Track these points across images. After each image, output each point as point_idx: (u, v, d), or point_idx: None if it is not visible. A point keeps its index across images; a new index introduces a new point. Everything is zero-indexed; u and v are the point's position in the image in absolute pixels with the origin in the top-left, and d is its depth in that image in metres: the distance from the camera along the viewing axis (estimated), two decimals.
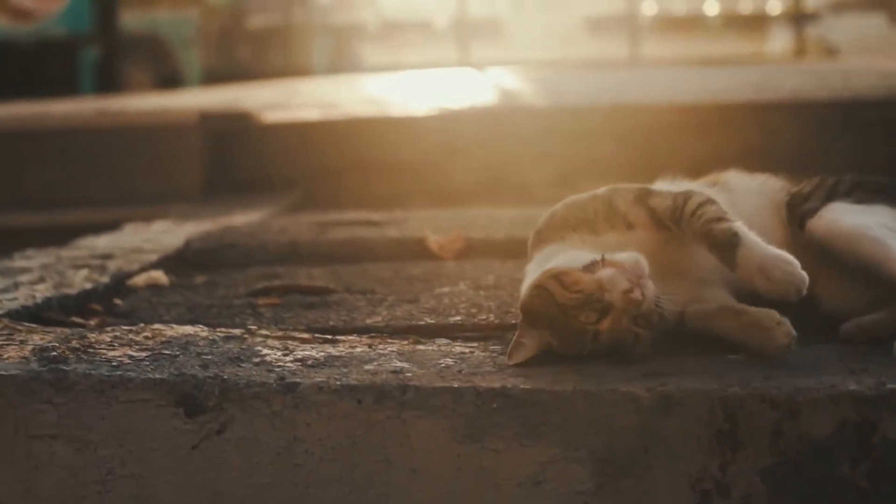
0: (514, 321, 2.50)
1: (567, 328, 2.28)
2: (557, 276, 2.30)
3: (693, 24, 20.26)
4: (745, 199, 2.58)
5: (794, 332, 2.25)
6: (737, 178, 2.66)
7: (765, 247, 2.27)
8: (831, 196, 2.57)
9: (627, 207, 2.43)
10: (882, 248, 2.43)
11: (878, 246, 2.43)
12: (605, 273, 2.27)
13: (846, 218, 2.50)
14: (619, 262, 2.28)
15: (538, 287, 2.31)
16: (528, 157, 6.59)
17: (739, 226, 2.31)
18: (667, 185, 2.58)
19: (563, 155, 6.57)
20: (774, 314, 2.26)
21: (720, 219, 2.32)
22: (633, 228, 2.42)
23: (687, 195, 2.39)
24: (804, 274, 2.23)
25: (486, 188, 6.48)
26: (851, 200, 2.55)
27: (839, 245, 2.47)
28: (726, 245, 2.29)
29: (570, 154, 6.57)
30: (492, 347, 2.52)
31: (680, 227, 2.37)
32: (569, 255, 2.37)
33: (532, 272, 2.42)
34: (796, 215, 2.56)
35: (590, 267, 2.29)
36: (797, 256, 2.34)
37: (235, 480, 2.26)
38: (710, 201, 2.37)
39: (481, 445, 2.20)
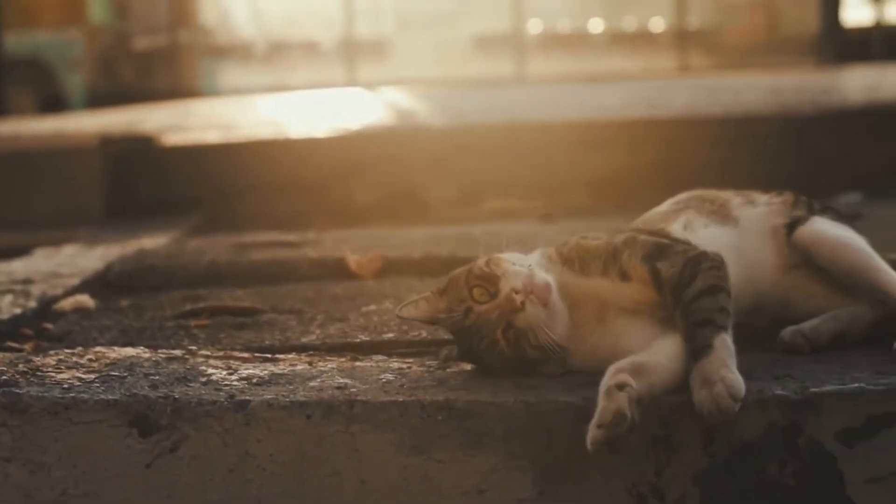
0: (446, 336, 2.58)
1: (457, 296, 2.39)
2: (490, 258, 2.41)
3: (578, 41, 20.49)
4: (750, 233, 2.66)
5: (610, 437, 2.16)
6: (744, 210, 2.70)
7: (724, 369, 2.23)
8: (811, 211, 2.71)
9: (630, 263, 2.45)
10: (867, 259, 2.63)
11: (863, 256, 2.63)
12: (514, 269, 2.37)
13: (832, 229, 2.66)
14: (534, 274, 2.37)
15: (472, 264, 2.42)
16: (428, 175, 6.68)
17: (721, 338, 2.28)
18: (680, 226, 2.62)
19: (463, 173, 6.67)
20: (610, 414, 2.16)
21: (710, 322, 2.31)
22: (629, 281, 2.43)
23: (695, 270, 2.39)
24: (733, 406, 2.19)
25: (387, 207, 6.56)
26: (826, 217, 2.72)
27: (827, 252, 2.63)
28: (698, 351, 2.27)
29: (471, 172, 6.67)
30: (427, 362, 2.60)
31: (674, 305, 2.38)
32: (517, 256, 2.46)
33: None
34: (787, 226, 2.68)
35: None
36: (783, 281, 2.61)
37: (189, 497, 2.32)
38: (713, 289, 2.37)
39: (427, 456, 2.28)
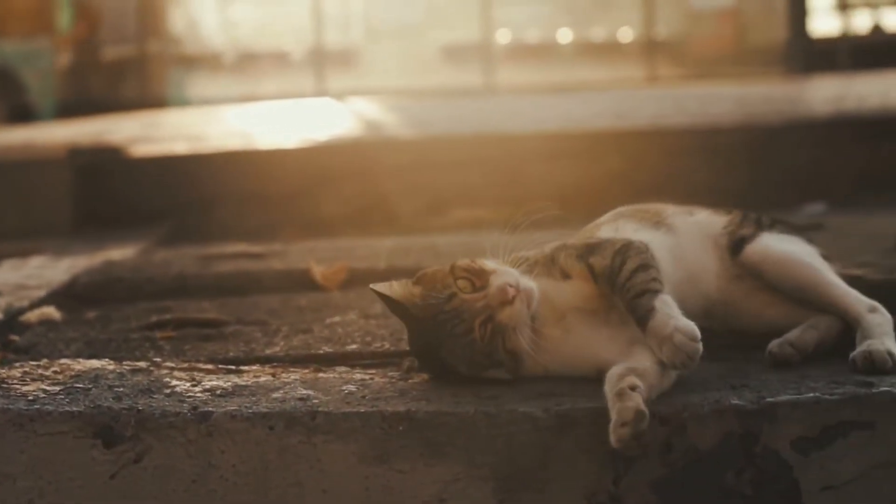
0: (408, 348, 2.61)
1: (438, 285, 2.45)
2: (474, 258, 2.48)
3: (546, 51, 20.55)
4: (687, 237, 2.71)
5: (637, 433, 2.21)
6: (678, 218, 2.76)
7: (671, 319, 2.35)
8: (760, 227, 2.76)
9: (567, 262, 2.53)
10: (815, 273, 2.68)
11: (811, 271, 2.68)
12: (506, 268, 2.45)
13: (780, 245, 2.71)
14: (524, 281, 2.44)
15: (451, 263, 2.49)
16: (396, 186, 6.71)
17: (659, 299, 2.39)
18: (611, 230, 2.68)
19: (431, 184, 6.70)
20: (631, 412, 2.21)
21: (646, 291, 2.40)
22: (570, 279, 2.51)
23: (624, 257, 2.48)
24: (695, 346, 2.31)
25: (356, 218, 6.58)
26: (776, 233, 2.76)
27: (774, 269, 2.68)
28: (643, 319, 2.37)
29: (439, 183, 6.70)
30: (390, 373, 2.63)
31: (613, 291, 2.46)
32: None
33: None
34: (732, 245, 2.73)
35: None
36: (732, 285, 2.66)
37: None
38: (643, 267, 2.45)
39: (388, 466, 2.31)
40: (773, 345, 2.62)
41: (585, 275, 2.50)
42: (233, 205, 6.64)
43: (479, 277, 2.43)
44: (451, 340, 2.43)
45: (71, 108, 15.43)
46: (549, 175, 6.69)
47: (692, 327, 2.33)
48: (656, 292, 2.40)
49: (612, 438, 2.20)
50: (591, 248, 2.54)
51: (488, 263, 2.47)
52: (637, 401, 2.21)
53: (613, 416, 2.21)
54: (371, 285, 2.53)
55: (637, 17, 19.61)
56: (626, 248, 2.50)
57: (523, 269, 2.51)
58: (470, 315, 2.40)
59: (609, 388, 2.29)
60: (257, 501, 2.33)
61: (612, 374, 2.32)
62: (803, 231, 2.85)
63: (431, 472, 2.31)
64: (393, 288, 2.50)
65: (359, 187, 6.73)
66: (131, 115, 12.47)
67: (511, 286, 2.40)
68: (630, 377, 2.28)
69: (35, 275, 4.30)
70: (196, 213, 6.59)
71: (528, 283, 2.44)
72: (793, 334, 2.64)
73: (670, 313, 2.36)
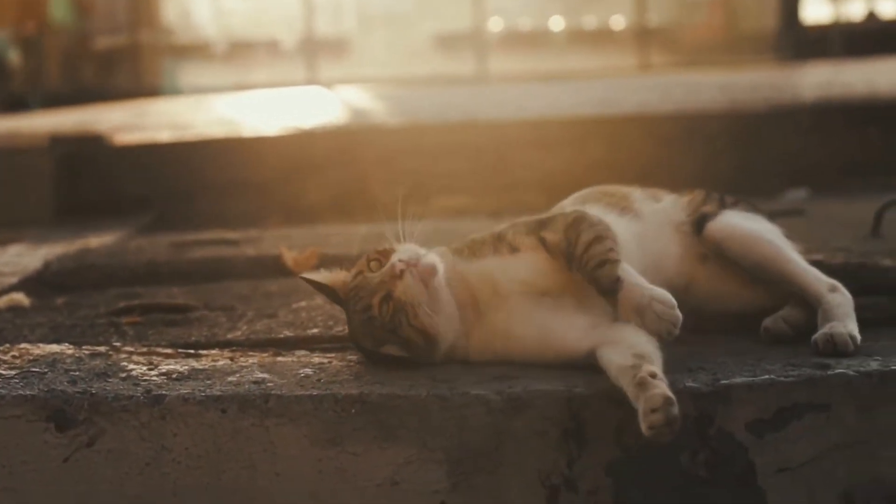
0: None
1: (357, 269, 2.50)
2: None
3: (538, 39, 20.54)
4: (652, 224, 2.71)
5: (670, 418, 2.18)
6: (645, 204, 2.76)
7: (644, 289, 2.35)
8: (723, 205, 2.76)
9: (516, 237, 2.53)
10: (776, 251, 2.69)
11: (773, 248, 2.69)
12: (408, 247, 2.47)
13: (742, 222, 2.72)
14: (424, 255, 2.46)
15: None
16: (380, 174, 6.69)
17: (623, 268, 2.39)
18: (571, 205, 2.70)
19: (414, 171, 6.68)
20: (660, 398, 2.20)
21: (605, 262, 2.40)
22: (518, 252, 2.51)
23: (577, 230, 2.47)
24: (675, 314, 2.32)
25: (339, 205, 6.57)
26: (739, 210, 2.76)
27: (737, 246, 2.68)
28: (609, 290, 2.37)
29: (422, 170, 6.68)
30: (349, 357, 2.62)
31: (570, 266, 2.45)
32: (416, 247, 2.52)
33: None
34: (695, 222, 2.73)
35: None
36: (693, 269, 2.67)
37: (107, 491, 2.35)
38: (598, 238, 2.44)
39: (341, 449, 2.31)
40: (768, 321, 2.64)
41: (536, 246, 2.49)
42: (216, 193, 6.62)
43: (385, 257, 2.46)
44: (356, 316, 2.47)
45: (63, 98, 15.41)
46: (534, 162, 6.68)
47: (667, 295, 2.33)
48: (616, 262, 2.39)
49: (644, 426, 2.17)
50: (542, 223, 2.54)
51: (404, 245, 2.48)
52: (662, 387, 2.19)
53: (641, 405, 2.18)
54: (302, 273, 2.58)
55: (629, 4, 19.60)
56: (578, 221, 2.49)
57: (466, 251, 2.52)
58: (368, 292, 2.44)
59: (623, 379, 2.26)
60: (211, 484, 2.33)
61: (620, 363, 2.29)
62: (783, 216, 2.85)
63: (384, 455, 2.31)
64: (322, 274, 2.56)
65: (342, 175, 6.71)
66: (122, 104, 12.45)
67: (401, 261, 2.41)
68: (646, 365, 2.25)
69: (11, 262, 4.31)
70: (179, 201, 6.57)
71: (430, 259, 2.44)
72: (785, 311, 2.65)
73: (639, 283, 2.36)
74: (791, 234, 2.78)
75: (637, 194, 2.78)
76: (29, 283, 3.82)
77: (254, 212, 6.42)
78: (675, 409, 2.16)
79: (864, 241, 3.62)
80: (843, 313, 2.59)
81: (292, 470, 2.32)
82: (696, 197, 2.78)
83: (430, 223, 4.98)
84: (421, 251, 2.47)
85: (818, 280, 2.66)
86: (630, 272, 2.38)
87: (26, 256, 4.48)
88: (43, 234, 5.52)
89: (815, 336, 2.53)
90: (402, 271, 2.40)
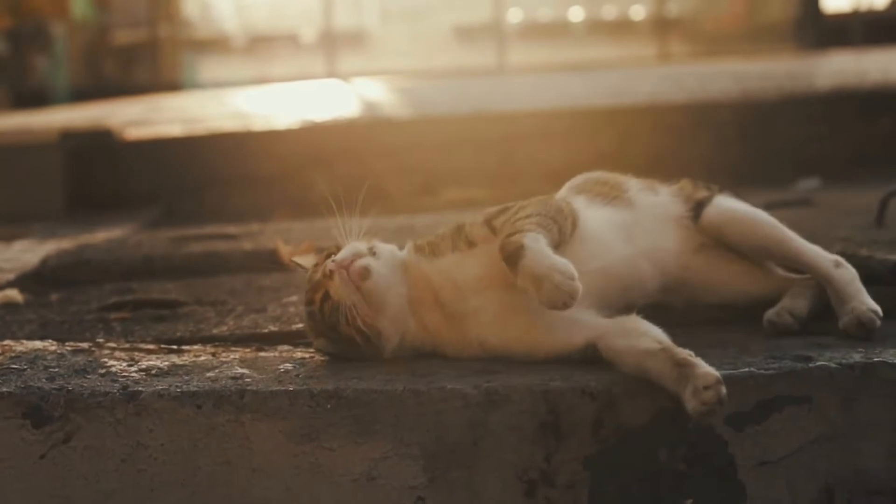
0: None
1: (322, 257, 2.52)
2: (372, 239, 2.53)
3: (558, 30, 20.49)
4: (647, 215, 2.67)
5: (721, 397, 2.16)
6: (641, 194, 2.71)
7: (546, 258, 2.29)
8: (712, 191, 2.75)
9: (472, 229, 2.50)
10: (777, 230, 2.67)
11: (773, 228, 2.67)
12: (351, 246, 2.48)
13: (739, 206, 2.71)
14: (361, 256, 2.45)
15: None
16: (390, 167, 6.69)
17: (532, 238, 2.34)
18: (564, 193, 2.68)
19: (424, 164, 6.68)
20: (711, 377, 2.16)
21: (517, 231, 2.36)
22: (475, 246, 2.48)
23: (526, 211, 2.44)
24: (574, 285, 2.26)
25: (347, 199, 6.55)
26: (727, 195, 2.76)
27: (736, 229, 2.67)
28: (513, 257, 2.33)
29: (432, 163, 6.67)
30: None
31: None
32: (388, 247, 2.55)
33: None
34: (692, 210, 2.70)
35: None
36: (689, 260, 2.64)
37: (83, 487, 2.35)
38: (533, 214, 2.42)
39: (317, 444, 2.31)
40: (770, 313, 2.62)
41: (488, 237, 2.46)
42: (226, 187, 6.63)
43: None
44: (304, 308, 2.50)
45: (85, 93, 15.45)
46: (543, 153, 6.66)
47: (569, 265, 2.27)
48: (526, 232, 2.35)
49: (694, 404, 2.13)
50: (500, 211, 2.51)
51: (362, 243, 2.49)
52: (707, 366, 2.17)
53: (689, 384, 2.15)
54: (292, 257, 2.62)
55: None
56: (533, 204, 2.47)
57: (427, 248, 2.50)
58: (312, 287, 2.46)
59: (654, 361, 2.24)
60: (187, 480, 2.33)
61: (647, 348, 2.26)
62: (791, 206, 2.84)
63: (360, 450, 2.30)
64: (311, 259, 2.59)
65: (352, 168, 6.71)
66: (141, 99, 12.47)
67: (333, 261, 2.42)
68: (678, 348, 2.24)
69: (13, 258, 4.32)
70: (189, 195, 6.59)
71: (363, 262, 2.42)
72: (786, 302, 2.63)
73: (542, 250, 2.30)
74: (795, 224, 2.76)
75: (633, 184, 2.74)
76: (25, 280, 3.84)
77: (263, 206, 6.43)
78: (724, 388, 2.14)
79: (867, 231, 3.59)
80: (856, 289, 2.58)
81: (268, 465, 2.32)
82: (686, 186, 2.76)
83: (436, 216, 5.01)
84: (363, 251, 2.45)
85: (821, 256, 2.64)
86: (539, 241, 2.33)
87: (29, 252, 4.50)
88: (51, 229, 5.54)
89: (843, 323, 2.53)
90: (331, 271, 2.41)
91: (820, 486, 2.32)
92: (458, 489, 2.30)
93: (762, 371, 2.32)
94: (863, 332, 2.50)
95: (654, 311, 2.44)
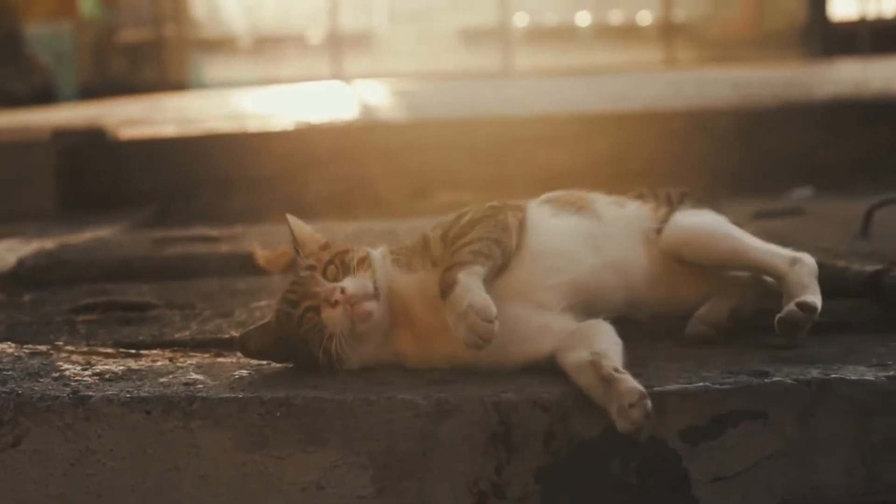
0: None
1: (316, 256, 2.48)
2: (368, 256, 2.48)
3: (565, 34, 20.46)
4: (614, 228, 2.66)
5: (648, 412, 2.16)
6: (604, 205, 2.71)
7: (467, 296, 2.27)
8: (670, 205, 2.74)
9: (434, 243, 2.49)
10: (732, 241, 2.65)
11: (727, 240, 2.65)
12: (362, 282, 2.40)
13: (694, 222, 2.68)
14: (369, 297, 2.40)
15: (356, 248, 2.49)
16: (383, 170, 6.67)
17: (467, 273, 2.32)
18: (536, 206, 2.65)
19: (418, 168, 6.65)
20: (635, 393, 2.16)
21: (458, 263, 2.34)
22: (437, 266, 2.44)
23: (460, 241, 2.41)
24: (489, 328, 2.24)
25: (340, 201, 6.55)
26: (686, 208, 2.73)
27: (693, 246, 2.65)
28: (445, 292, 2.32)
29: (425, 166, 6.65)
30: None
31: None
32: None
33: None
34: (657, 230, 2.69)
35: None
36: (663, 277, 2.62)
37: (32, 491, 2.34)
38: (479, 239, 2.40)
39: (266, 452, 2.29)
40: (689, 326, 2.62)
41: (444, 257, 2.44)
42: (219, 188, 6.61)
43: (343, 270, 2.42)
44: (280, 304, 2.45)
45: (92, 91, 15.45)
46: (535, 158, 6.64)
47: (488, 306, 2.25)
48: (466, 264, 2.33)
49: (622, 423, 2.14)
50: (454, 220, 2.51)
51: (372, 270, 2.44)
52: (631, 381, 2.16)
53: (614, 402, 2.16)
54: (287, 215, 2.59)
55: (656, 0, 19.51)
56: (480, 220, 2.46)
57: (402, 259, 2.48)
58: (302, 292, 2.41)
59: (582, 376, 2.24)
60: (136, 486, 2.32)
61: (577, 360, 2.27)
62: (781, 216, 2.82)
63: (310, 459, 2.29)
64: (309, 230, 2.57)
65: (346, 170, 6.69)
66: (146, 98, 12.47)
67: (342, 293, 2.37)
68: (605, 360, 2.23)
69: None
70: (182, 196, 6.56)
71: (371, 305, 2.39)
72: (702, 311, 2.63)
73: (470, 287, 2.29)
74: (780, 235, 2.74)
75: (602, 199, 2.73)
76: (2, 280, 3.82)
77: (255, 207, 6.41)
78: (649, 403, 2.14)
79: (850, 242, 3.58)
80: (802, 286, 2.56)
81: (217, 473, 2.30)
82: (648, 201, 2.75)
83: (425, 219, 4.99)
84: (370, 291, 2.40)
85: (778, 257, 2.62)
86: (473, 274, 2.32)
87: (11, 252, 4.48)
88: (42, 229, 5.52)
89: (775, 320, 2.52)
90: (336, 302, 2.37)
91: (776, 501, 2.30)
92: (407, 499, 2.28)
93: (717, 386, 2.30)
94: (786, 331, 2.50)
95: (619, 324, 2.43)
